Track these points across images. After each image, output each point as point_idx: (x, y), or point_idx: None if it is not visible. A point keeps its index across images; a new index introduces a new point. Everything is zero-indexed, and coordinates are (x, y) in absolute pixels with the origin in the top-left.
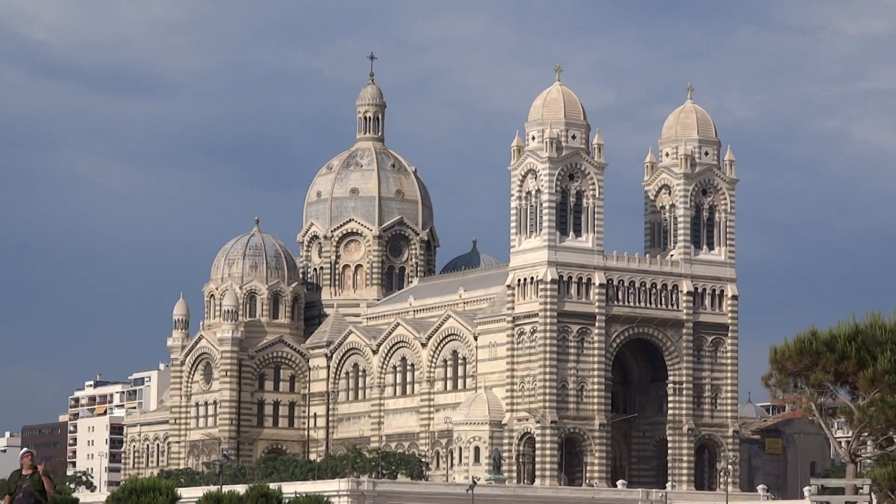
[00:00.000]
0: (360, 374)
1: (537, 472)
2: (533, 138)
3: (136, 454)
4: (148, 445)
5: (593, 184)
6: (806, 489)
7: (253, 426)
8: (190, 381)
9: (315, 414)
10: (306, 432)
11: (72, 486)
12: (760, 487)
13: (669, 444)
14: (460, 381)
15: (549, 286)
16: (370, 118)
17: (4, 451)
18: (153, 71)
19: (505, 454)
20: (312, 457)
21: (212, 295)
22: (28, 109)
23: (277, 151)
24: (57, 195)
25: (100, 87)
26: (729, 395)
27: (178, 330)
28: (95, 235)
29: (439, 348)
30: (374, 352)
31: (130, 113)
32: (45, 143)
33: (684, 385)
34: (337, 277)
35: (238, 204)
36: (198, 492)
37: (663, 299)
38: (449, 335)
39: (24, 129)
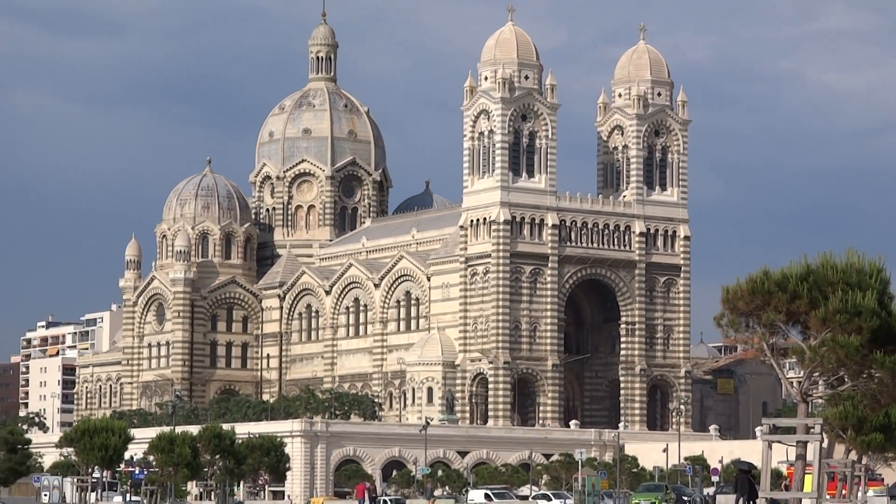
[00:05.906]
0: (313, 314)
1: (490, 413)
2: (486, 79)
3: (89, 395)
4: (100, 386)
5: (546, 124)
6: (758, 429)
7: (206, 367)
8: (142, 321)
9: (268, 355)
10: (259, 373)
11: (24, 427)
12: (712, 427)
13: (622, 385)
14: (413, 322)
15: (501, 227)
16: (322, 58)
17: None
18: (102, 9)
19: (458, 395)
20: (265, 398)
21: (164, 235)
22: None
23: (229, 91)
24: (5, 135)
25: (47, 26)
26: (681, 335)
27: (130, 270)
28: (46, 176)
29: (392, 289)
30: (327, 292)
31: (79, 52)
32: None
33: (637, 325)
34: (289, 218)
35: (190, 144)
36: (151, 432)
37: (616, 240)
38: (402, 276)
39: None
